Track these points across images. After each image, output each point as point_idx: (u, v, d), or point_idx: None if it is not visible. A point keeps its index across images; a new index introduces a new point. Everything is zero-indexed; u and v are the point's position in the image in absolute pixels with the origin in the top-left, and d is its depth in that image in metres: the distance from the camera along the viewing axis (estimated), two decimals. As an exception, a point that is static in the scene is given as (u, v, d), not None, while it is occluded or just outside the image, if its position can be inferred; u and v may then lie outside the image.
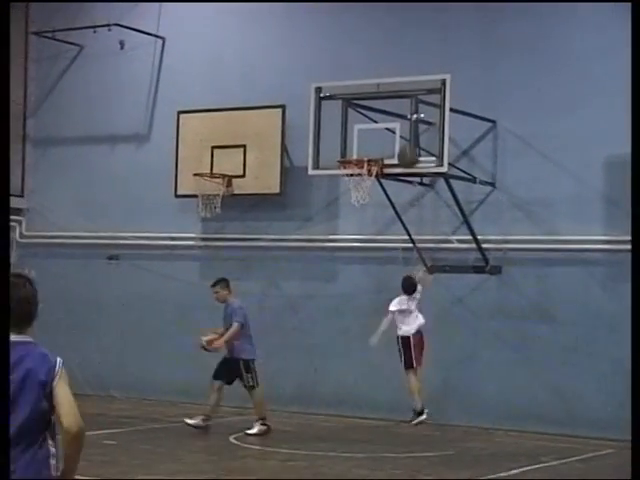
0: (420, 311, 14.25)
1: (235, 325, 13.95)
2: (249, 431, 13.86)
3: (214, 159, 16.88)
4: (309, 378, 16.35)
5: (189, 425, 13.87)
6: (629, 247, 14.94)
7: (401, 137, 14.22)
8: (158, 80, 18.13)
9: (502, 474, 11.46)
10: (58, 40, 18.47)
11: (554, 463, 12.47)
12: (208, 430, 13.91)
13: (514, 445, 13.91)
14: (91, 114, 18.56)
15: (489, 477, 11.29)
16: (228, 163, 16.77)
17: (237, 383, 14.16)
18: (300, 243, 16.79)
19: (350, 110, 14.61)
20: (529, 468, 11.99)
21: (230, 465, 11.62)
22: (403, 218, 15.29)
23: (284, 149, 16.71)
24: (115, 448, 12.54)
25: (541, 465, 12.27)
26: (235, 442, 13.39)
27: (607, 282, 14.86)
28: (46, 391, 4.71)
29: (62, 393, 4.75)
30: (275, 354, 16.82)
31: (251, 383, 14.00)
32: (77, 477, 10.03)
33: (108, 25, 17.71)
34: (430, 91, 14.03)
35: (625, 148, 14.25)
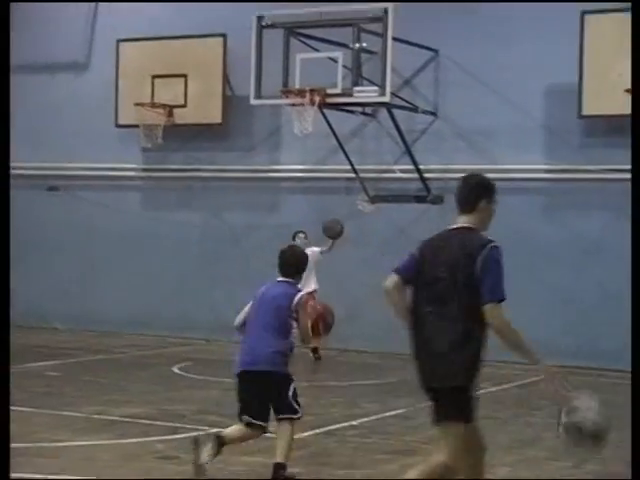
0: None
1: None
2: None
3: (155, 89, 16.72)
4: (252, 308, 16.40)
5: None
6: (569, 176, 15.17)
7: (343, 66, 14.17)
8: (96, 7, 17.83)
9: (443, 400, 11.62)
10: (-7, -34, 18.04)
11: (493, 389, 12.67)
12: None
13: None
14: (30, 42, 18.21)
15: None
16: (169, 93, 16.62)
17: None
18: (242, 173, 16.75)
19: (292, 39, 14.51)
20: (469, 394, 12.17)
21: (174, 394, 11.67)
22: (345, 148, 15.28)
23: (226, 79, 16.57)
24: (58, 379, 12.53)
25: (481, 391, 12.36)
26: (179, 372, 13.44)
27: (546, 210, 15.02)
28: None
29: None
30: (218, 284, 16.86)
31: None
32: (18, 408, 10.00)
33: (45, -49, 17.37)
34: (372, 20, 13.97)
35: (565, 78, 14.41)
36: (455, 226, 5.73)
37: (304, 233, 14.82)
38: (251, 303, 7.69)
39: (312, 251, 14.62)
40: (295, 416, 7.40)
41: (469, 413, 5.59)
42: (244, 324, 7.73)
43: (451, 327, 5.46)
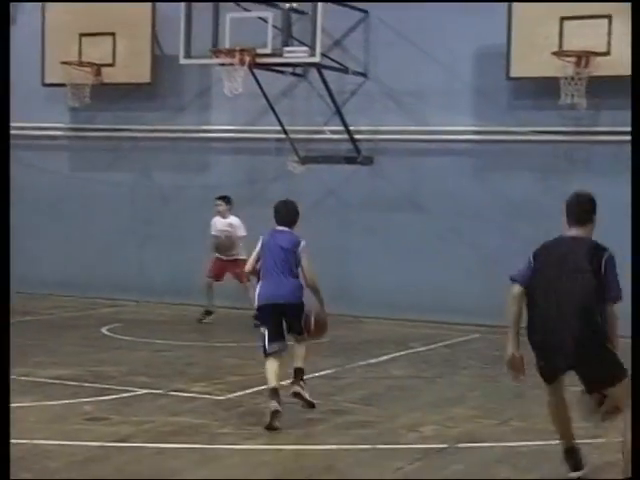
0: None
1: None
2: None
3: (82, 47, 16.51)
4: (182, 269, 16.37)
5: None
6: (497, 138, 15.31)
7: (273, 26, 14.10)
8: (22, -37, 17.48)
9: (372, 360, 11.75)
10: None
11: (422, 349, 12.84)
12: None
13: (384, 332, 14.24)
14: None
15: (359, 364, 11.56)
16: (97, 51, 16.42)
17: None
18: (172, 134, 16.64)
19: (222, -2, 14.39)
20: (398, 354, 12.32)
21: (102, 356, 11.63)
22: (276, 108, 15.24)
23: (155, 37, 16.40)
24: (-15, 341, 12.40)
25: (409, 351, 12.62)
26: (108, 333, 13.40)
27: (475, 172, 15.14)
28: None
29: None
30: (147, 245, 16.80)
31: None
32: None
33: None
34: (303, -20, 13.90)
35: (494, 40, 14.49)
36: (573, 235, 6.97)
37: (222, 200, 14.56)
38: (259, 249, 8.84)
39: (238, 222, 14.42)
40: (304, 336, 8.90)
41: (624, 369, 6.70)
42: (255, 269, 8.90)
43: (582, 314, 6.68)
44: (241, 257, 13.61)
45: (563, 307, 6.72)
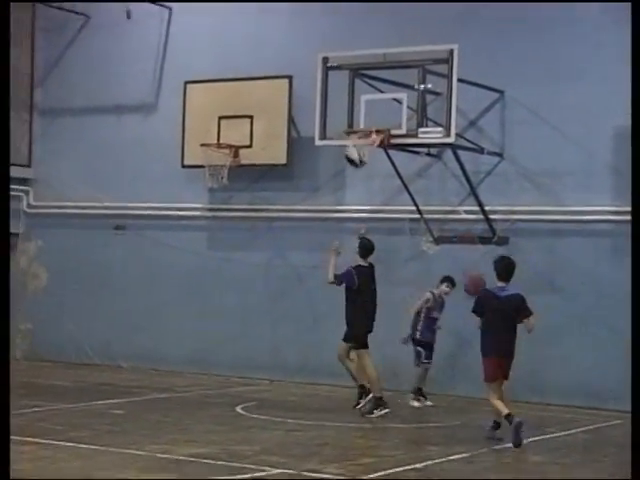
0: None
1: None
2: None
3: (221, 129, 16.88)
4: (315, 348, 16.39)
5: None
6: (636, 218, 14.90)
7: (408, 107, 14.18)
8: (165, 50, 18.09)
9: (507, 445, 11.48)
10: (65, 10, 18.43)
11: (559, 434, 12.50)
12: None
13: (519, 416, 13.90)
14: (98, 84, 18.53)
15: (494, 447, 11.32)
16: (235, 133, 16.76)
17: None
18: (307, 214, 16.80)
19: (357, 80, 14.54)
20: (534, 439, 12.01)
21: (237, 435, 11.66)
22: (410, 188, 15.26)
23: (291, 119, 16.68)
24: (123, 418, 12.59)
25: (546, 436, 12.29)
26: (242, 412, 13.44)
27: (614, 253, 14.83)
28: None
29: None
30: (281, 324, 16.89)
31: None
32: (83, 446, 10.04)
33: (115, -6, 17.68)
34: (437, 61, 13.95)
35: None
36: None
37: None
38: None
39: None
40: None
41: None
42: None
43: None
44: None
45: None
